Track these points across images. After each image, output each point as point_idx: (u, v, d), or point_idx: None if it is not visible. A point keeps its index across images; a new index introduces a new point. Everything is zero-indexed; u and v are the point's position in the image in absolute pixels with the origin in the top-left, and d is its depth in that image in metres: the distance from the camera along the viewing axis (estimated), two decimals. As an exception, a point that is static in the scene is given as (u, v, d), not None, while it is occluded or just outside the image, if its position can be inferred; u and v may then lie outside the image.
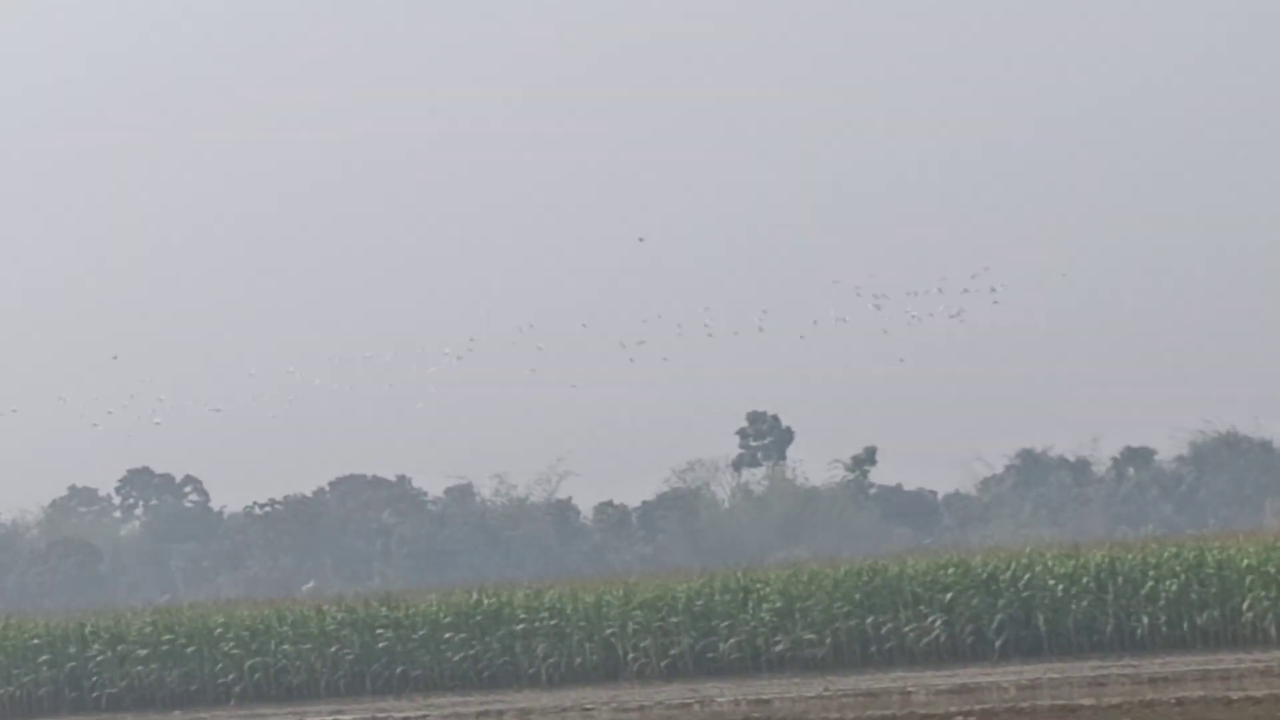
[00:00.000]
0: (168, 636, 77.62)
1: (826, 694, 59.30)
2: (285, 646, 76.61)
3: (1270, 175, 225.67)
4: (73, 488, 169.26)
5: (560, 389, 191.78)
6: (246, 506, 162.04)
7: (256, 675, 76.28)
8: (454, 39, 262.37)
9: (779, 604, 72.76)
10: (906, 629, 71.63)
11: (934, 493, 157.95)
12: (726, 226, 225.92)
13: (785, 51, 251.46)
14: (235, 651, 76.65)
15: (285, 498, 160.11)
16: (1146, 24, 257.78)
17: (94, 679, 77.19)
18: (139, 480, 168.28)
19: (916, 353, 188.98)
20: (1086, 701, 48.72)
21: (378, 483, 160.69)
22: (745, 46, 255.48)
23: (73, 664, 77.74)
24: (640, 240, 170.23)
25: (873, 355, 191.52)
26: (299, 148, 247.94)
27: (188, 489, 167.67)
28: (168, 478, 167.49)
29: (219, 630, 77.37)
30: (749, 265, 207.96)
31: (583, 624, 74.40)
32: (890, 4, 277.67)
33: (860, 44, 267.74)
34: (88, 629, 78.78)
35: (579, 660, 73.87)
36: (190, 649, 77.16)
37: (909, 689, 59.05)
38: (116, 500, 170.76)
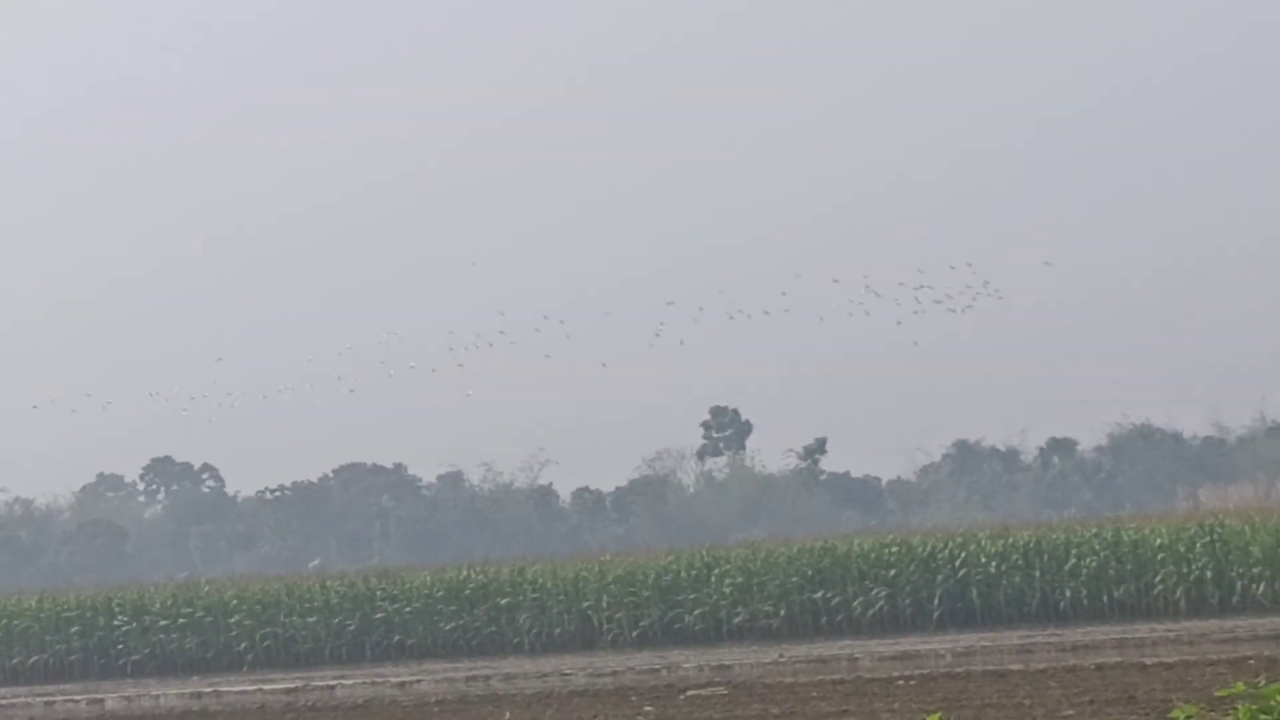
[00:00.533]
0: (186, 609, 77.90)
1: (781, 660, 59.55)
2: (293, 618, 76.95)
3: (1194, 185, 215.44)
4: (101, 475, 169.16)
5: (542, 385, 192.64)
6: (258, 491, 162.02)
7: (266, 644, 76.59)
8: (466, 44, 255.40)
9: (739, 579, 73.12)
10: (854, 602, 71.99)
11: (878, 479, 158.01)
12: (695, 226, 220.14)
13: (774, 51, 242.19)
14: (247, 622, 76.97)
15: (293, 484, 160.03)
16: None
17: (120, 647, 77.51)
18: (161, 468, 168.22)
19: (864, 352, 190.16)
20: (1015, 667, 48.98)
21: (377, 470, 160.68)
22: (742, 47, 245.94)
23: (101, 633, 78.07)
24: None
25: (826, 352, 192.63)
26: (308, 155, 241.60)
27: (205, 476, 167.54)
28: (187, 465, 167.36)
29: (233, 603, 77.67)
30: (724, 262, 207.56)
31: (561, 598, 74.75)
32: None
33: (846, 43, 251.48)
34: (114, 602, 79.04)
35: (558, 630, 74.22)
36: (207, 620, 77.47)
37: (856, 656, 59.31)
38: (140, 486, 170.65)
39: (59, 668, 76.79)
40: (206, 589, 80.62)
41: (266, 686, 64.72)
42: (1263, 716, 11.73)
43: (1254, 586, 68.63)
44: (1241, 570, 68.98)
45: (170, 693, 64.93)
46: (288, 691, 61.28)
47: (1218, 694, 14.09)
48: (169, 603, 78.35)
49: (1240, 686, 13.64)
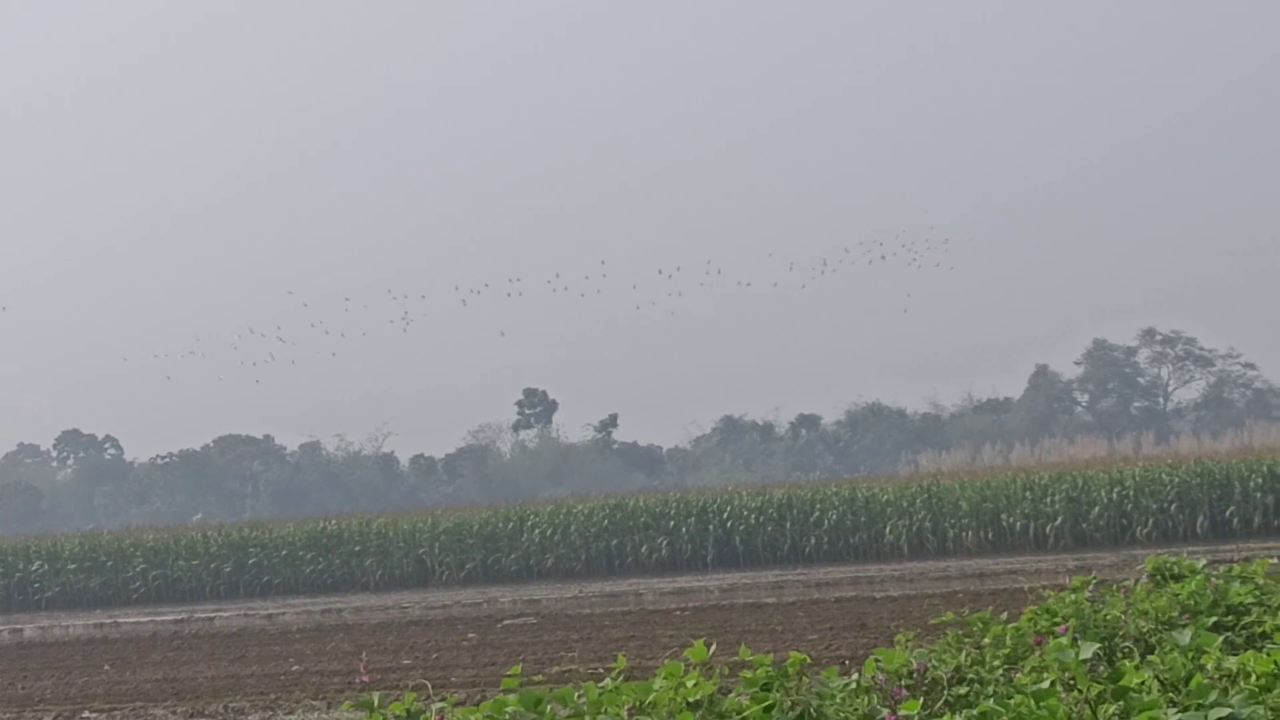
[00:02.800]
0: (91, 554, 77.32)
1: (580, 595, 59.64)
2: (179, 562, 76.41)
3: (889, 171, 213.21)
4: (20, 444, 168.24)
5: (385, 368, 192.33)
6: (151, 458, 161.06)
7: (157, 583, 76.04)
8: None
9: (546, 530, 73.16)
10: (640, 548, 72.17)
11: (660, 447, 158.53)
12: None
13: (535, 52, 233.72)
14: (142, 565, 76.38)
15: (180, 451, 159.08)
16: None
17: (36, 586, 76.81)
18: (71, 438, 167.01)
19: (647, 342, 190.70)
20: (770, 600, 49.26)
21: (249, 440, 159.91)
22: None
23: (19, 574, 77.27)
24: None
25: (617, 343, 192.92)
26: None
27: (107, 445, 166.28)
28: (92, 436, 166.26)
29: (130, 550, 77.08)
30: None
31: (401, 545, 74.55)
32: None
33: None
34: (31, 549, 78.35)
35: (398, 572, 74.05)
36: (108, 563, 76.84)
37: (641, 592, 59.45)
38: (53, 454, 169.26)
39: (-16, 603, 76.08)
40: (108, 538, 79.97)
41: (158, 618, 64.18)
42: (966, 640, 11.83)
43: (963, 534, 69.38)
44: (953, 521, 69.67)
45: (78, 623, 64.26)
46: (175, 622, 60.80)
47: (932, 622, 14.21)
48: (76, 550, 77.76)
49: (949, 615, 13.77)
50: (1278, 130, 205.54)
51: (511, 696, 9.06)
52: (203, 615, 63.89)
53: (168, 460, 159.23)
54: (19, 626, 63.55)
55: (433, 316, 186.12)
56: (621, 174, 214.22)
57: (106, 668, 39.66)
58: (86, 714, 29.51)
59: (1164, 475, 68.46)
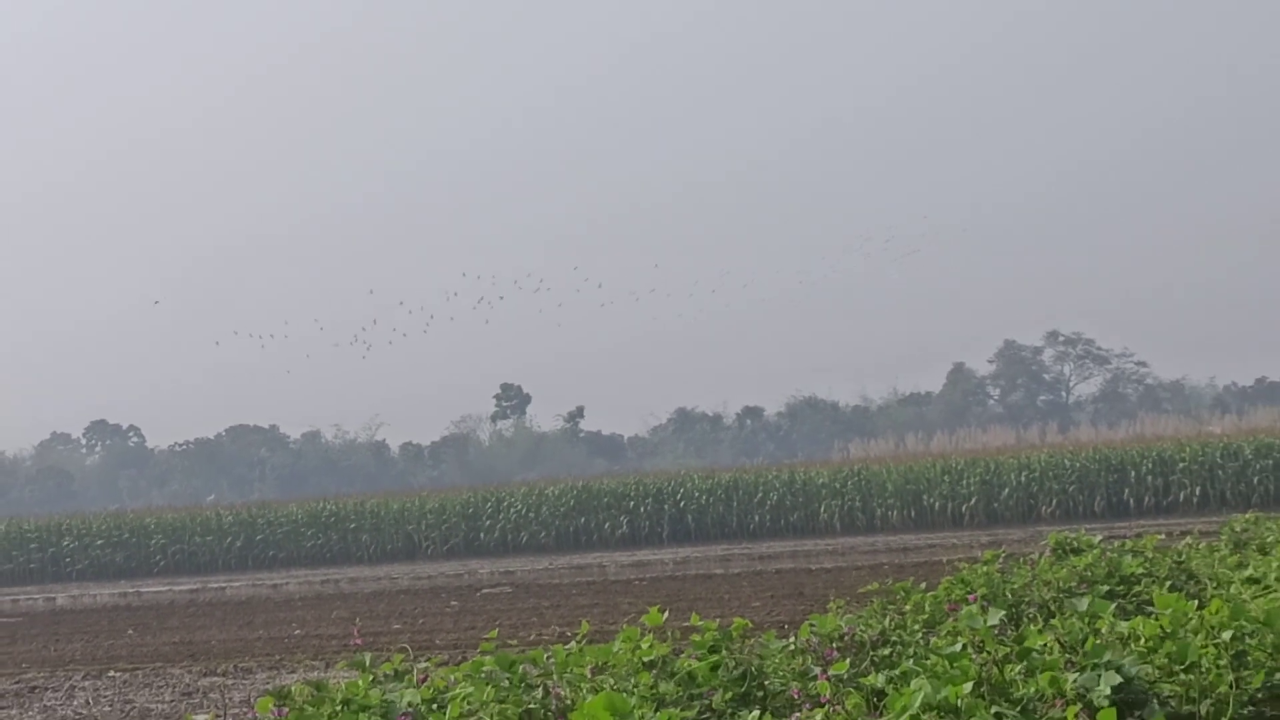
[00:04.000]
0: (116, 531, 76.98)
1: (551, 567, 59.60)
2: (195, 538, 76.14)
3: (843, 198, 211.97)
4: (54, 433, 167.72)
5: (378, 365, 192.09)
6: (170, 445, 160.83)
7: (175, 556, 75.76)
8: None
9: (521, 509, 73.10)
10: (604, 525, 72.13)
11: (622, 436, 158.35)
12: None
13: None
14: (161, 541, 76.09)
15: (195, 439, 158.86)
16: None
17: (67, 559, 76.37)
18: (99, 428, 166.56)
19: (611, 344, 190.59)
20: (718, 571, 49.26)
21: (257, 430, 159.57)
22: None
23: (53, 549, 76.84)
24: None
25: (584, 342, 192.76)
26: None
27: (131, 434, 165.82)
28: (118, 426, 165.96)
29: (151, 527, 76.78)
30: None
31: (392, 522, 74.40)
32: None
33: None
34: (63, 527, 77.94)
35: (389, 546, 73.90)
36: (131, 540, 76.53)
37: (604, 564, 59.39)
38: (83, 441, 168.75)
39: (22, 574, 75.61)
40: (131, 517, 79.75)
41: (175, 587, 63.99)
42: (890, 607, 11.87)
43: (889, 513, 69.47)
44: (880, 501, 69.78)
45: (104, 592, 64.01)
46: (191, 591, 60.61)
47: (860, 590, 14.24)
48: (103, 527, 77.43)
49: (875, 585, 13.80)
50: (1163, 166, 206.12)
51: (488, 657, 9.07)
52: (215, 585, 63.74)
53: (185, 447, 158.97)
54: (52, 595, 63.29)
55: (422, 323, 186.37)
56: (606, 194, 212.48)
57: (130, 632, 39.54)
58: (112, 673, 29.40)
59: (1066, 461, 68.71)
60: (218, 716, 19.51)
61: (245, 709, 21.26)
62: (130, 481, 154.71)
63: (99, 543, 76.63)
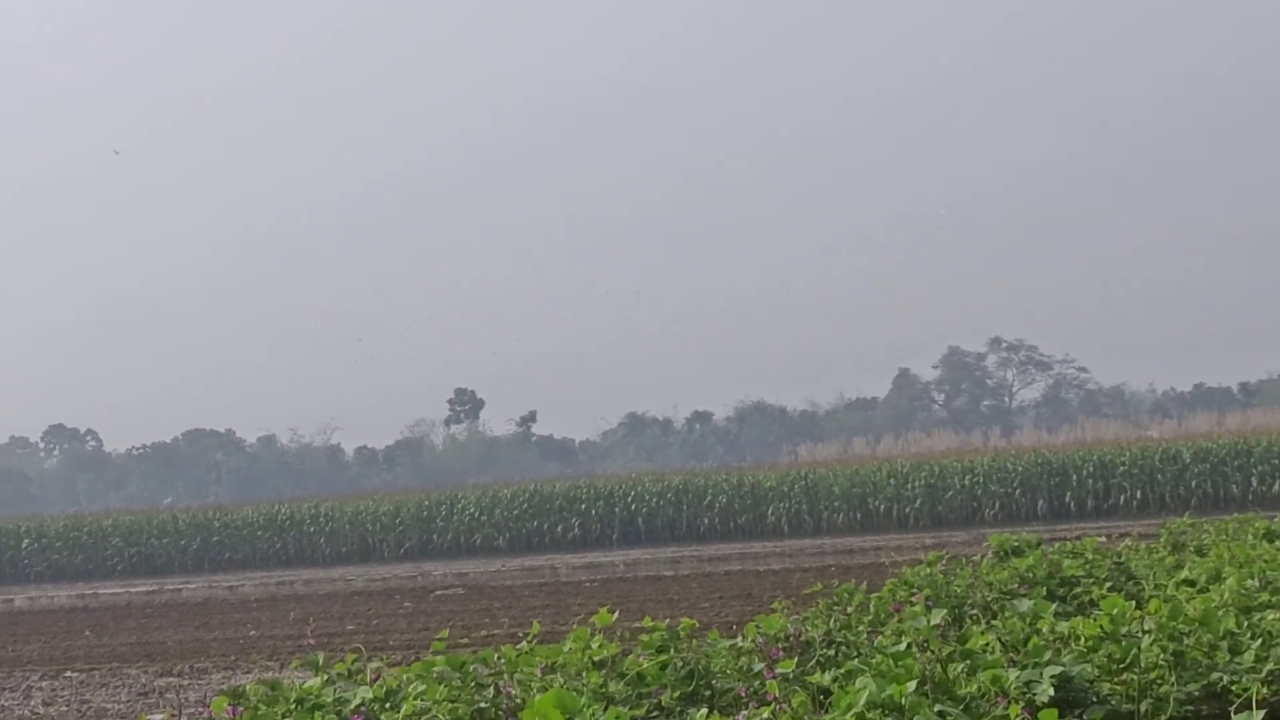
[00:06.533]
0: (74, 533, 76.75)
1: (504, 569, 59.60)
2: (152, 540, 75.94)
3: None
4: (11, 437, 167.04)
5: (335, 371, 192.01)
6: (127, 449, 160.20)
7: (133, 558, 75.56)
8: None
9: (474, 512, 73.09)
10: (556, 527, 72.14)
11: (574, 440, 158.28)
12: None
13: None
14: (119, 543, 75.94)
15: (152, 443, 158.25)
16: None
17: (25, 561, 76.13)
18: (57, 432, 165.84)
19: (563, 351, 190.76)
20: (668, 573, 49.28)
21: (213, 433, 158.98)
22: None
23: (11, 551, 76.64)
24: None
25: (537, 349, 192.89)
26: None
27: (89, 438, 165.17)
28: (75, 430, 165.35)
29: (109, 529, 76.59)
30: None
31: (346, 525, 74.31)
32: None
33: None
34: (22, 529, 77.68)
35: (344, 548, 73.79)
36: (90, 541, 76.34)
37: (556, 566, 59.39)
38: (41, 445, 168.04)
39: (-20, 576, 75.44)
40: (89, 519, 79.49)
41: (132, 589, 63.73)
42: (835, 607, 11.89)
43: (835, 516, 69.64)
44: (826, 504, 69.94)
45: (62, 594, 63.70)
46: (148, 593, 60.38)
47: (805, 591, 14.27)
48: (61, 529, 77.24)
49: (819, 586, 13.84)
50: (1101, 175, 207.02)
51: (440, 657, 9.05)
52: (172, 587, 63.50)
53: (142, 451, 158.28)
54: (10, 597, 62.90)
55: (381, 331, 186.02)
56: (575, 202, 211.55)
57: (87, 633, 39.35)
58: (69, 673, 29.26)
59: (1009, 464, 69.01)
60: (173, 716, 19.43)
61: (201, 709, 21.16)
62: (88, 484, 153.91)
63: (57, 545, 76.35)
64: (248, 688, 8.68)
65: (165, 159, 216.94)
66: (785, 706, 7.57)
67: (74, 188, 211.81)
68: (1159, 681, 8.31)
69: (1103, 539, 18.32)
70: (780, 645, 9.45)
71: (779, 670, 8.54)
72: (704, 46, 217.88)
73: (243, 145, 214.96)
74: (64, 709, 23.86)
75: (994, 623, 9.83)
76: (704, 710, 8.06)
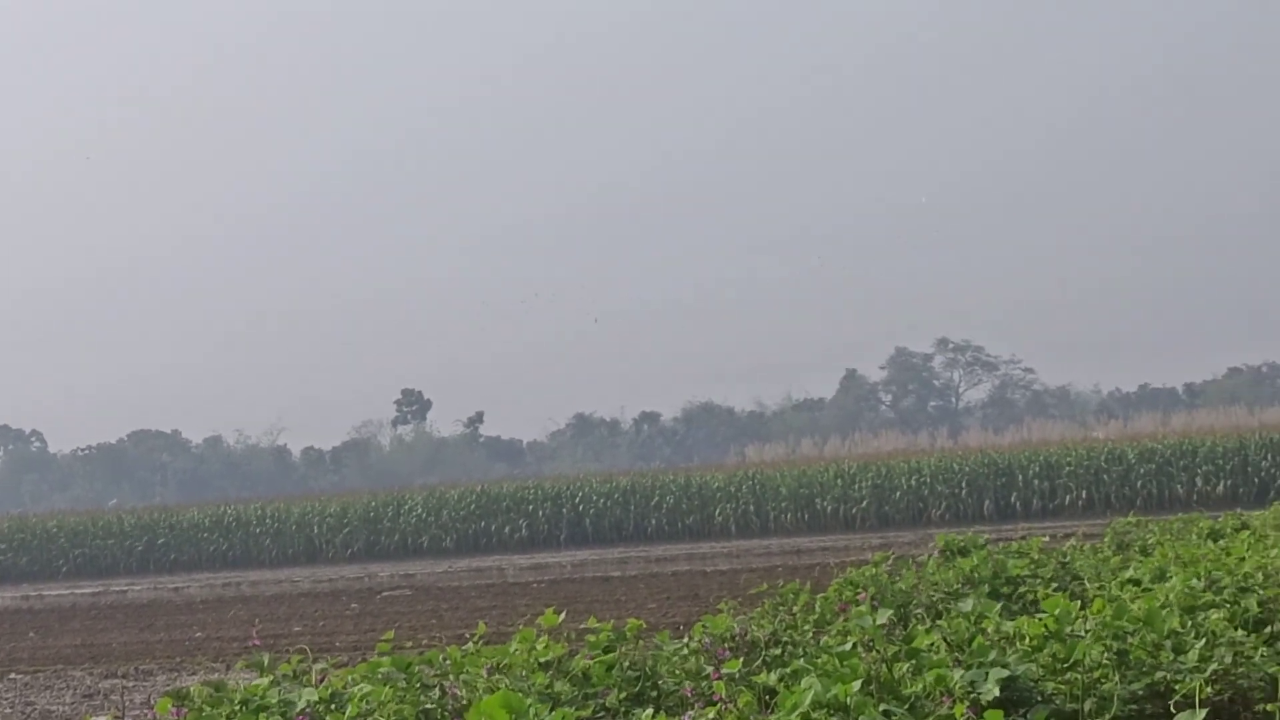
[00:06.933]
0: (20, 535, 76.33)
1: (451, 570, 59.51)
2: (97, 541, 75.55)
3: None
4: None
5: (281, 372, 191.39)
6: (72, 450, 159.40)
7: (79, 560, 75.12)
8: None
9: (421, 513, 72.93)
10: (504, 528, 72.03)
11: (521, 440, 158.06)
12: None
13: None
14: (64, 544, 75.50)
15: (98, 444, 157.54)
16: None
17: (-31, 563, 75.82)
18: (1, 433, 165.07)
19: (511, 351, 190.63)
20: (615, 574, 49.29)
21: (159, 434, 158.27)
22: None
23: (-45, 554, 76.29)
24: None
25: (484, 350, 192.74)
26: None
27: (33, 439, 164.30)
28: (20, 430, 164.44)
29: (54, 531, 76.16)
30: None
31: (293, 526, 74.09)
32: None
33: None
34: (-35, 531, 77.36)
35: (291, 550, 73.57)
36: (35, 543, 75.91)
37: (503, 567, 59.33)
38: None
39: (-77, 579, 74.87)
40: (34, 521, 79.04)
41: (77, 590, 63.39)
42: (781, 607, 11.91)
43: (783, 516, 69.75)
44: (774, 504, 70.04)
45: (6, 595, 63.26)
46: (93, 594, 60.08)
47: (751, 592, 14.29)
48: (6, 531, 76.76)
49: (764, 586, 13.86)
50: (1044, 176, 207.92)
51: (386, 659, 9.03)
52: (117, 588, 63.21)
53: (87, 452, 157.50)
54: (-47, 599, 62.54)
55: (324, 328, 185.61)
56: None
57: (31, 635, 39.13)
58: (13, 675, 29.08)
59: (956, 465, 69.26)
60: (118, 718, 19.32)
61: (145, 710, 21.07)
62: (33, 486, 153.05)
63: (1, 546, 75.85)
64: (192, 689, 8.64)
65: (108, 160, 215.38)
66: (731, 707, 7.58)
67: (14, 187, 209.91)
68: (1103, 680, 8.35)
69: (1048, 539, 18.42)
70: (726, 645, 9.46)
71: (725, 670, 8.54)
72: (645, 44, 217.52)
73: (185, 147, 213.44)
74: (8, 711, 23.71)
75: (939, 622, 9.86)
76: (650, 711, 8.06)
